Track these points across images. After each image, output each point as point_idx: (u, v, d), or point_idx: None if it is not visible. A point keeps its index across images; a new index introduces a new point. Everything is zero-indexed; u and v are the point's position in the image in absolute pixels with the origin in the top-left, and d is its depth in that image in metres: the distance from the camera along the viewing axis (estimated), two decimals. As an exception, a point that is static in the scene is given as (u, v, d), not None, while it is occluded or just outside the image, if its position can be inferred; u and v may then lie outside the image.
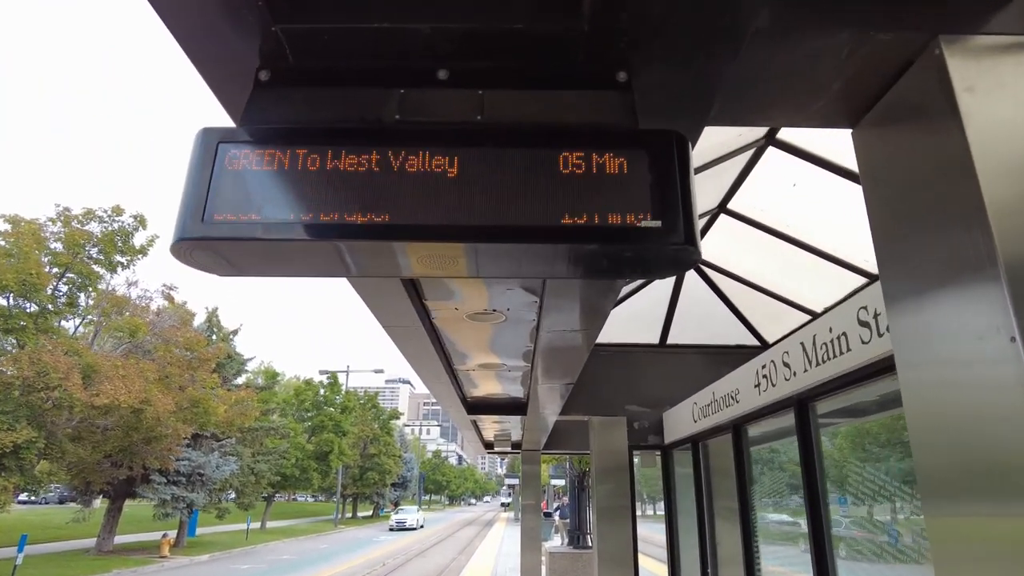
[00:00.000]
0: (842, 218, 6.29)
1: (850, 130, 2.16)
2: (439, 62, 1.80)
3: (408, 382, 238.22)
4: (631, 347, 9.19)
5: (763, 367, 5.46)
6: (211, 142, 1.67)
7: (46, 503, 57.25)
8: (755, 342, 9.43)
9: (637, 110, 1.79)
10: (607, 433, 8.77)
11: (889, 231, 2.04)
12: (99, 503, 31.08)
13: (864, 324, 3.84)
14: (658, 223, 1.59)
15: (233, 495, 34.29)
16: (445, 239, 1.58)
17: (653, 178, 1.64)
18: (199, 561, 27.34)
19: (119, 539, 29.92)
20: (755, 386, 5.62)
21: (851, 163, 5.56)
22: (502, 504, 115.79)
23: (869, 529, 4.44)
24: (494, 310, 4.59)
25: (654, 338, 9.27)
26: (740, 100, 1.99)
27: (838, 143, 5.23)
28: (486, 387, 7.87)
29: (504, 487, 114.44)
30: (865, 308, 3.84)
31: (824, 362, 4.37)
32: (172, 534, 29.59)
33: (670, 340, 9.30)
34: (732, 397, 6.18)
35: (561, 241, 1.59)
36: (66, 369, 18.62)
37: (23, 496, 24.77)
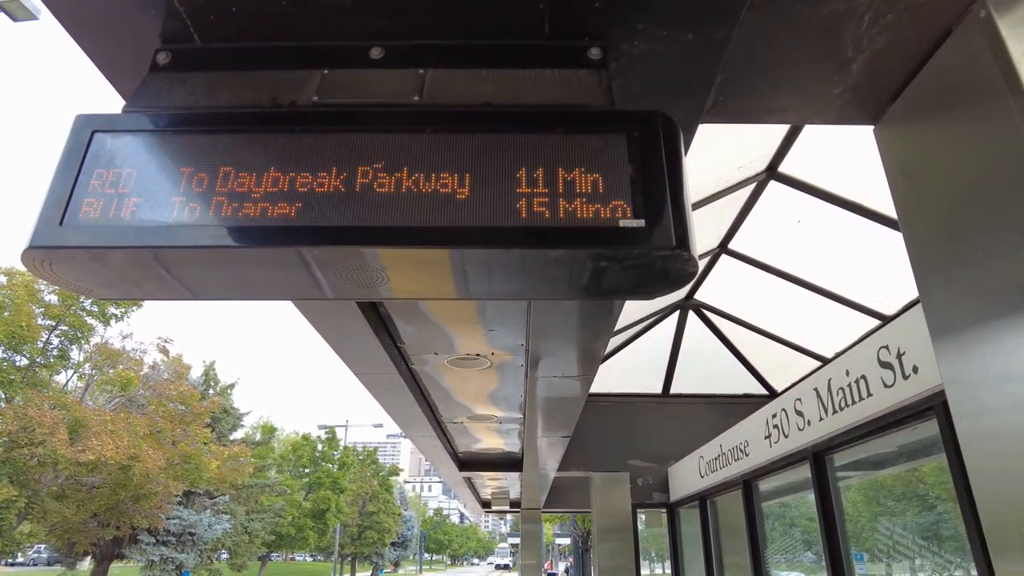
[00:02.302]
0: (851, 257, 5.96)
1: (871, 127, 1.83)
2: (372, 39, 1.48)
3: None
4: (632, 397, 8.74)
5: (773, 416, 5.03)
6: (84, 131, 1.34)
7: (35, 564, 55.50)
8: (763, 391, 8.97)
9: (615, 96, 1.46)
10: (609, 490, 8.22)
11: (930, 247, 1.68)
12: (88, 564, 29.89)
13: (886, 365, 3.44)
14: (640, 222, 1.24)
15: (226, 555, 33.00)
16: (362, 242, 1.23)
17: (635, 168, 1.30)
18: (186, 628, 26.05)
19: (105, 604, 28.63)
20: (765, 437, 5.17)
21: (858, 196, 5.26)
22: (497, 567, 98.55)
23: None
24: (477, 355, 4.21)
25: (656, 387, 8.82)
26: (742, 88, 1.67)
27: (842, 174, 4.94)
28: (479, 441, 7.39)
29: (502, 546, 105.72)
30: (886, 347, 3.45)
31: (841, 409, 3.95)
32: (160, 598, 28.32)
33: (673, 389, 8.85)
34: (741, 450, 5.71)
35: (517, 245, 1.23)
36: (52, 424, 18.05)
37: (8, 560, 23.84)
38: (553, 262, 1.28)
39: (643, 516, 8.82)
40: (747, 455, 5.58)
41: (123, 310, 22.72)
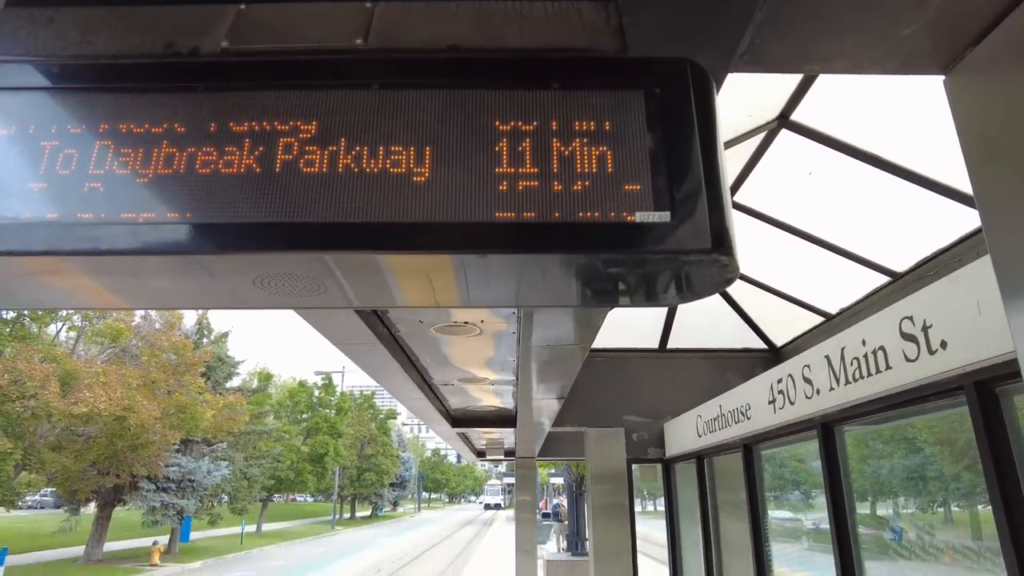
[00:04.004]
0: (861, 210, 5.63)
1: (940, 76, 1.48)
2: (302, -41, 1.11)
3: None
4: (629, 352, 8.51)
5: (779, 381, 4.78)
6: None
7: (41, 508, 56.68)
8: (763, 346, 8.76)
9: (626, 33, 1.10)
10: (604, 445, 8.10)
11: (1005, 205, 1.36)
12: (92, 508, 30.34)
13: (909, 338, 3.15)
14: (664, 216, 0.91)
15: (226, 500, 33.56)
16: (282, 247, 0.90)
17: (656, 138, 0.96)
18: (191, 569, 26.65)
19: (109, 546, 29.20)
20: (769, 402, 4.94)
21: (875, 147, 4.89)
22: (486, 506, 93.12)
23: (873, 526, 4.14)
24: (466, 322, 3.91)
25: (653, 343, 8.59)
26: (783, 29, 1.30)
27: (859, 123, 4.56)
28: (472, 401, 7.19)
29: (492, 483, 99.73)
30: (910, 319, 3.16)
31: (855, 380, 3.69)
32: (164, 540, 28.90)
33: (671, 344, 8.62)
34: (742, 413, 5.50)
35: (496, 248, 0.91)
36: (43, 377, 17.91)
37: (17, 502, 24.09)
38: (544, 269, 0.95)
39: (637, 473, 8.74)
40: (748, 419, 5.37)
41: (109, 260, 22.32)
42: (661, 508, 9.33)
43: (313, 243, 0.90)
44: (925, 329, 3.02)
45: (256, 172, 0.94)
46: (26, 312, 20.14)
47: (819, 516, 5.35)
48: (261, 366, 43.88)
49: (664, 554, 8.69)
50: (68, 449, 20.95)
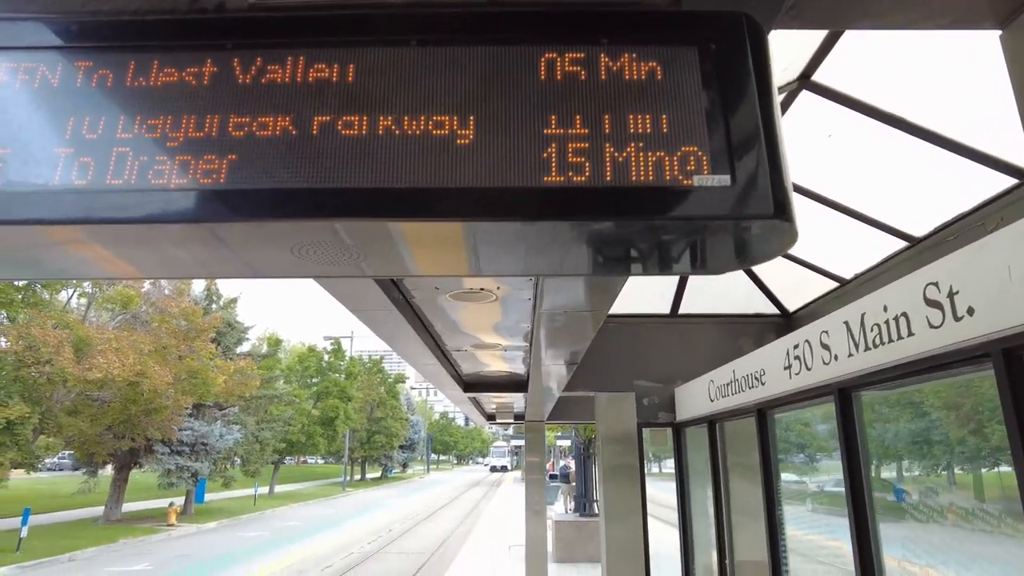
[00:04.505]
0: (880, 174, 5.52)
1: (997, 31, 1.40)
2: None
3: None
4: (640, 318, 8.49)
5: (795, 347, 4.75)
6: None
7: (60, 470, 57.92)
8: (775, 311, 8.71)
9: (676, -16, 1.03)
10: (615, 410, 8.13)
11: None
12: (109, 470, 30.99)
13: (934, 304, 3.10)
14: (725, 179, 0.87)
15: (239, 462, 34.19)
16: (322, 214, 0.85)
17: (712, 98, 0.91)
18: (206, 529, 27.31)
19: (127, 507, 29.93)
20: (785, 368, 4.92)
21: (899, 108, 4.77)
22: (492, 468, 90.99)
23: (877, 488, 4.18)
24: (481, 289, 3.87)
25: (665, 307, 8.56)
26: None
27: (884, 82, 4.43)
28: (484, 366, 7.21)
29: (498, 444, 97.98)
30: (935, 285, 3.10)
31: (875, 347, 3.65)
32: (179, 502, 29.57)
33: (682, 309, 8.59)
34: (756, 378, 5.49)
35: (543, 216, 0.86)
36: (56, 343, 18.11)
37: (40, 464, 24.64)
38: (595, 236, 0.90)
39: (647, 436, 8.80)
40: (763, 384, 5.37)
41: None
42: (666, 470, 9.43)
43: (356, 211, 0.86)
44: (951, 295, 2.97)
45: (292, 135, 0.89)
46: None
47: (823, 479, 5.40)
48: (270, 331, 44.21)
49: (668, 515, 8.82)
50: (84, 413, 21.30)
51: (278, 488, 46.46)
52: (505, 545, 19.91)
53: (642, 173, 0.86)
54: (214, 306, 32.68)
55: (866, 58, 4.29)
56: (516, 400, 11.31)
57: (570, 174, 0.86)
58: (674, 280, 8.18)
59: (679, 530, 8.26)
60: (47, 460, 25.45)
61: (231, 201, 0.87)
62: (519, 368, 7.37)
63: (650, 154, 0.87)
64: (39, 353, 18.13)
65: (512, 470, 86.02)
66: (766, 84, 0.92)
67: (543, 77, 0.91)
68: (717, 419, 6.88)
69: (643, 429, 8.25)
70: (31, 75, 0.93)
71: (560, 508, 23.33)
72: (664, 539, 8.60)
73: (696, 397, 7.29)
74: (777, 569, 5.06)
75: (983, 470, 3.57)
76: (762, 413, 5.53)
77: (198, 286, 31.92)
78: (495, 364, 7.11)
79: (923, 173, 5.17)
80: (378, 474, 73.20)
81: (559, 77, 0.91)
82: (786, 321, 8.65)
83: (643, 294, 8.40)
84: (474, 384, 8.38)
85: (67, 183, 0.87)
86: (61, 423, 20.42)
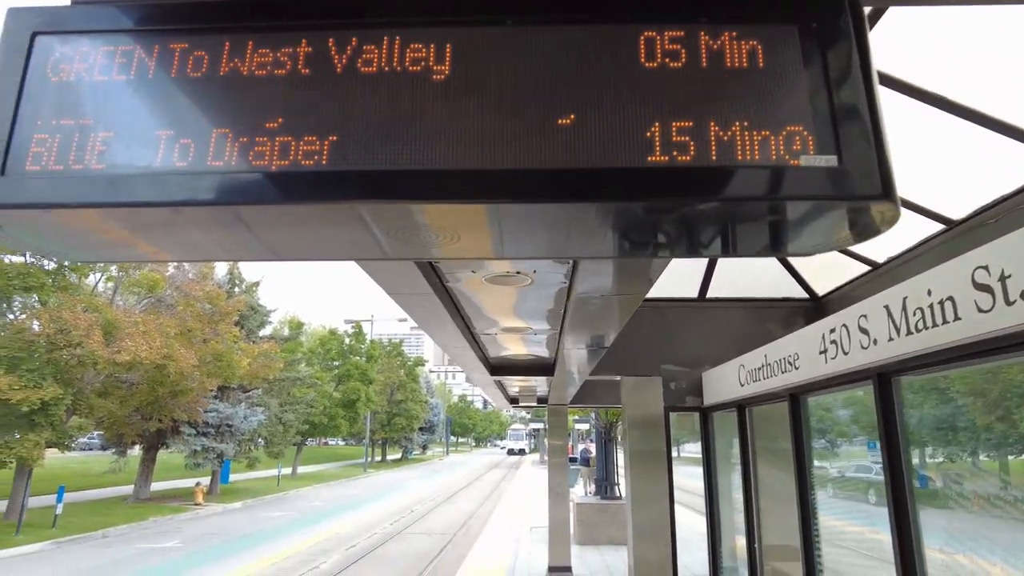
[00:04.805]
0: (917, 155, 5.41)
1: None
2: None
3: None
4: (668, 302, 8.45)
5: (831, 331, 4.70)
6: (20, 33, 0.95)
7: (90, 450, 59.36)
8: (804, 295, 8.63)
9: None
10: (641, 394, 8.13)
11: None
12: (137, 451, 31.69)
13: (983, 288, 3.05)
14: (831, 159, 0.85)
15: (263, 443, 34.77)
16: (432, 196, 0.86)
17: (815, 77, 0.89)
18: (232, 509, 27.86)
19: (155, 486, 30.62)
20: (820, 352, 4.87)
21: (937, 86, 4.66)
22: (509, 451, 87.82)
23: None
24: (518, 272, 3.88)
25: (693, 291, 8.51)
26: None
27: (925, 60, 4.33)
28: (511, 349, 7.23)
29: (515, 427, 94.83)
30: (985, 268, 3.05)
31: (918, 331, 3.60)
32: (205, 482, 30.19)
33: (710, 293, 8.54)
34: (789, 362, 5.45)
35: (646, 196, 0.86)
36: (87, 326, 18.48)
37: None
38: (696, 217, 0.90)
39: (673, 420, 8.79)
40: (796, 368, 5.32)
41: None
42: (687, 454, 9.42)
43: (451, 193, 0.86)
44: (1003, 279, 2.92)
45: (390, 117, 0.89)
46: (66, 262, 20.62)
47: (843, 464, 5.39)
48: (291, 315, 44.69)
49: (690, 499, 8.82)
50: (113, 395, 21.77)
51: (301, 469, 47.20)
52: (527, 526, 20.09)
53: (747, 152, 0.85)
54: (236, 289, 33.07)
55: (905, 37, 4.19)
56: (540, 384, 11.35)
57: (675, 153, 0.85)
58: (702, 263, 8.13)
59: (706, 514, 8.28)
60: (79, 440, 26.10)
61: (324, 183, 0.88)
62: (547, 352, 7.38)
63: (755, 133, 0.85)
64: (70, 336, 18.51)
65: (529, 453, 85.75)
66: (867, 63, 0.90)
67: (643, 57, 0.90)
68: (747, 403, 6.85)
69: (670, 413, 8.25)
70: (130, 56, 0.94)
71: (579, 491, 23.46)
72: (685, 523, 8.61)
73: (725, 381, 7.26)
74: (809, 555, 5.04)
75: (1010, 457, 3.54)
76: (795, 398, 5.50)
77: (221, 269, 32.31)
78: (523, 348, 7.13)
79: (962, 154, 5.06)
80: (398, 456, 74.05)
81: (660, 56, 0.90)
82: (815, 305, 8.56)
83: (670, 278, 8.35)
84: (501, 367, 8.41)
85: (169, 165, 0.88)
86: (92, 404, 20.89)
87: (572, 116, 0.87)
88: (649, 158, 0.86)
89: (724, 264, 8.28)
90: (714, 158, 0.85)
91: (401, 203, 0.87)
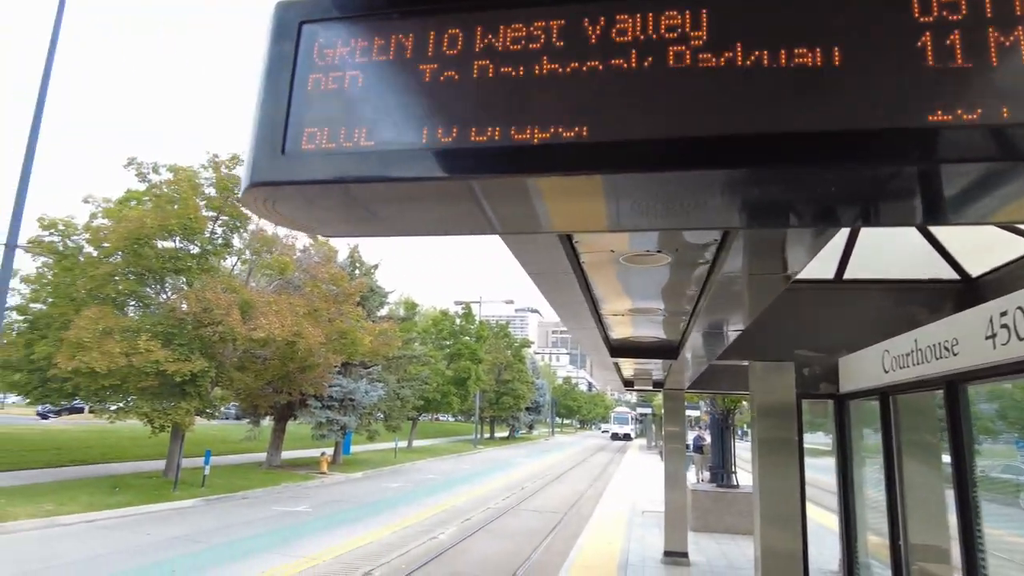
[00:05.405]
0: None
1: None
2: None
3: (537, 311, 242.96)
4: (802, 283, 8.01)
5: (1003, 314, 4.28)
6: (288, 23, 1.02)
7: (226, 419, 64.98)
8: (954, 275, 7.89)
9: None
10: (771, 380, 7.77)
11: None
12: (268, 421, 34.33)
13: None
14: None
15: (382, 417, 36.57)
16: (698, 163, 0.85)
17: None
18: (354, 478, 29.64)
19: (285, 455, 33.08)
20: (987, 337, 4.45)
21: None
22: (613, 435, 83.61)
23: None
24: (659, 251, 3.81)
25: (829, 273, 8.01)
26: None
27: None
28: (635, 331, 7.15)
29: (619, 410, 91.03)
30: None
31: (1121, 313, 3.20)
32: (329, 452, 32.26)
33: (848, 275, 8.00)
34: (947, 348, 5.02)
35: (938, 158, 0.81)
36: (226, 305, 20.14)
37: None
38: (983, 182, 0.84)
39: (805, 407, 8.37)
40: (955, 354, 4.90)
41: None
42: (807, 444, 8.91)
43: (717, 159, 0.85)
44: None
45: (643, 88, 0.89)
46: (209, 247, 22.53)
47: (986, 463, 4.91)
48: (405, 296, 46.55)
49: (816, 493, 8.36)
50: (249, 369, 23.64)
51: (415, 443, 49.35)
52: (637, 510, 19.95)
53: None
54: (357, 272, 34.80)
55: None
56: (657, 367, 11.16)
57: (959, 111, 0.79)
58: (840, 241, 7.63)
59: (839, 508, 7.85)
60: (220, 409, 28.66)
61: (578, 154, 0.89)
62: (673, 334, 7.24)
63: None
64: (213, 315, 20.25)
65: (635, 438, 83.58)
66: None
67: (917, 6, 0.84)
68: (891, 391, 6.40)
69: (802, 401, 7.85)
70: (397, 39, 1.00)
71: (692, 478, 22.94)
72: (809, 515, 8.19)
73: (866, 368, 6.81)
74: (972, 565, 4.65)
75: None
76: (952, 386, 5.07)
77: (342, 253, 34.10)
78: (649, 330, 7.02)
79: None
80: (506, 434, 75.64)
81: (936, 7, 0.84)
82: (967, 287, 7.82)
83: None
84: (621, 349, 8.34)
85: (434, 142, 0.93)
86: (232, 377, 22.79)
87: (842, 71, 0.84)
88: (930, 117, 0.80)
89: (863, 243, 7.73)
90: (1006, 114, 0.79)
91: (673, 172, 0.88)
